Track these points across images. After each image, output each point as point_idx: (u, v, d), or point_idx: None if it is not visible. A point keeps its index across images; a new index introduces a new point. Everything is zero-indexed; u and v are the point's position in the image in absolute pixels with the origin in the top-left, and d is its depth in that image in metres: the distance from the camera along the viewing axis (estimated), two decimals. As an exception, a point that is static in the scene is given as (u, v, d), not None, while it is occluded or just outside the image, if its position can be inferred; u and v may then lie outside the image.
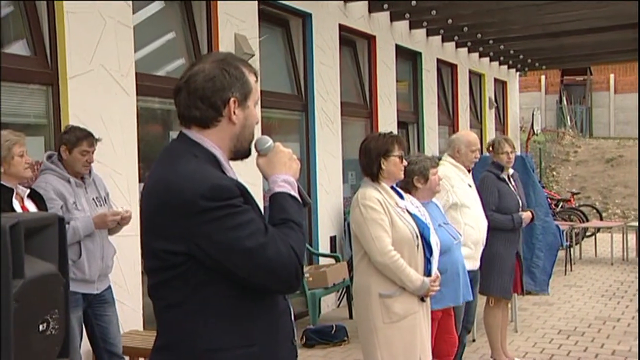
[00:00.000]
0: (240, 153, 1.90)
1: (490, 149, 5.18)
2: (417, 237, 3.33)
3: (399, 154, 3.39)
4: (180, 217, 1.72)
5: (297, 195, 1.86)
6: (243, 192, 1.77)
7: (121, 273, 4.72)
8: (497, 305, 5.16)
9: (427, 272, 3.35)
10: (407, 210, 3.39)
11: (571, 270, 9.36)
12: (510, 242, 5.05)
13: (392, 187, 3.47)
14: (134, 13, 5.14)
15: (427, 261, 3.35)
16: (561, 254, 7.73)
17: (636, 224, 10.64)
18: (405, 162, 3.45)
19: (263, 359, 1.82)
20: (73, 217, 3.76)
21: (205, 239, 1.72)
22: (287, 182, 1.86)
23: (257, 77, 1.91)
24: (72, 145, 3.84)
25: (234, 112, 1.84)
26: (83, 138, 3.85)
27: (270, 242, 1.73)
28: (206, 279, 1.77)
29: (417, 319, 3.32)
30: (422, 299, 3.35)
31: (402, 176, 3.46)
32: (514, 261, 5.14)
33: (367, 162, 3.42)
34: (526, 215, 5.06)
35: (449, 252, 3.84)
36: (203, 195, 1.70)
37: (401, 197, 3.46)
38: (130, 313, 4.86)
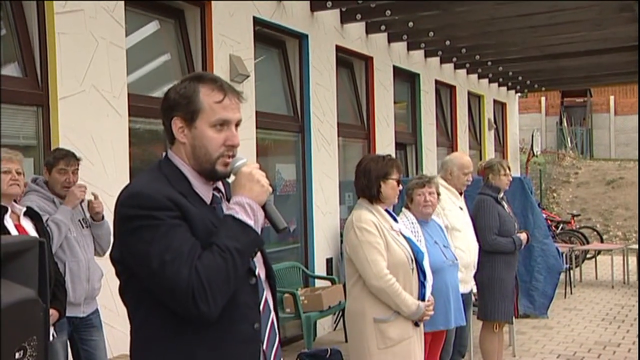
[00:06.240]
0: (205, 173, 1.84)
1: (486, 171, 5.11)
2: (412, 260, 3.30)
3: (396, 177, 3.38)
4: (116, 225, 1.80)
5: (244, 217, 1.74)
6: (179, 207, 1.73)
7: (111, 295, 4.62)
8: (497, 330, 5.08)
9: (422, 297, 3.32)
10: (402, 233, 3.36)
11: (571, 293, 9.26)
12: (510, 266, 5.00)
13: (386, 210, 3.43)
14: (128, 35, 5.12)
15: (422, 285, 3.31)
16: (561, 276, 7.62)
17: (637, 246, 10.53)
18: (400, 187, 3.44)
19: None
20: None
21: (126, 248, 1.75)
22: (238, 204, 1.76)
23: (230, 97, 1.83)
24: (50, 165, 3.85)
25: (181, 131, 1.83)
26: (60, 157, 3.85)
27: (176, 261, 1.66)
28: (146, 291, 1.75)
29: (411, 344, 3.27)
30: (416, 324, 3.30)
31: (396, 201, 3.45)
32: (514, 284, 5.07)
33: (366, 184, 3.38)
34: (523, 236, 5.01)
35: (439, 272, 3.79)
36: (123, 203, 1.75)
37: (395, 220, 3.44)
38: (120, 337, 4.77)
